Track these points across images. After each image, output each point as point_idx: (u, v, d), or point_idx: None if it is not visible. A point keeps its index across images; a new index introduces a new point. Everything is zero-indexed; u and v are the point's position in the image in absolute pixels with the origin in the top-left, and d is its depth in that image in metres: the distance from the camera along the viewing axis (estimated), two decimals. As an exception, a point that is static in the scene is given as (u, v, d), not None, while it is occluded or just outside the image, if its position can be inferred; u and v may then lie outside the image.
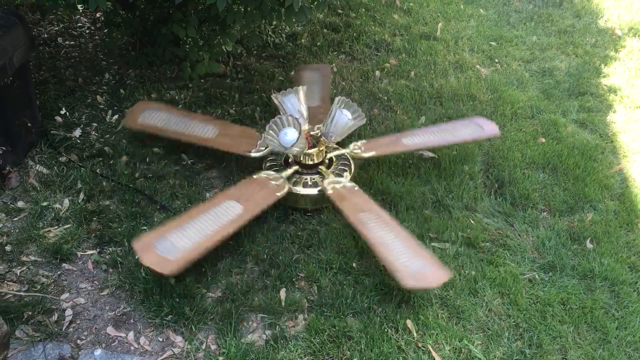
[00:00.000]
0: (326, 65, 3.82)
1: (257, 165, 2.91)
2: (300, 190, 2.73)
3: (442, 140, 3.04)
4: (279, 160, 2.90)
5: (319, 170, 2.83)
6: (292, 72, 3.86)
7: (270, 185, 2.66)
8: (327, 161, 2.90)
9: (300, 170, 2.83)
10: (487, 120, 3.18)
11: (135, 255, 2.29)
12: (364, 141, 2.97)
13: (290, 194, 2.72)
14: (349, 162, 2.92)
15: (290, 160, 2.88)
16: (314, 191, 2.74)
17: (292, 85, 3.10)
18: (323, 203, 2.77)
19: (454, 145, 3.19)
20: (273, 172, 2.75)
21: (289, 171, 2.79)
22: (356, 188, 2.71)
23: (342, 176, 2.80)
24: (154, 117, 3.01)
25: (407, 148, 3.00)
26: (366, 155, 2.88)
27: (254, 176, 2.72)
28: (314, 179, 2.77)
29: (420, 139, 3.01)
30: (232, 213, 2.48)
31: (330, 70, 3.74)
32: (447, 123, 3.29)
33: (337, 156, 2.93)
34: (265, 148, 2.83)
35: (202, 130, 2.95)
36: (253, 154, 2.84)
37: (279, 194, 2.64)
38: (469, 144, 3.24)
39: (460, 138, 3.08)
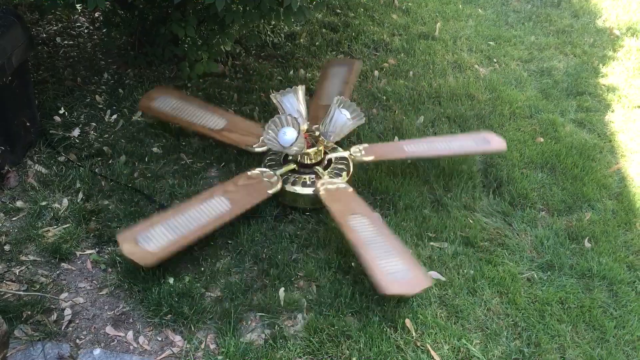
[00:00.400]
0: (356, 61, 3.79)
1: (257, 162, 2.91)
2: (299, 189, 2.73)
3: (446, 150, 3.00)
4: (279, 157, 2.90)
5: (314, 170, 2.83)
6: (291, 72, 3.87)
7: (263, 182, 2.67)
8: (326, 161, 2.90)
9: (298, 169, 2.83)
10: (494, 135, 3.11)
11: (118, 246, 2.37)
12: (366, 145, 2.95)
13: (289, 193, 2.73)
14: (348, 163, 2.90)
15: (289, 158, 2.88)
16: (312, 191, 2.74)
17: (292, 84, 3.10)
18: (322, 203, 2.78)
19: (458, 156, 3.13)
20: (267, 169, 2.76)
21: (284, 169, 2.79)
22: (350, 190, 2.70)
23: (340, 176, 2.79)
24: (168, 103, 3.09)
25: (408, 155, 2.98)
26: (366, 159, 2.87)
27: (248, 172, 2.73)
28: (312, 179, 2.77)
29: (424, 147, 3.01)
30: (220, 209, 2.51)
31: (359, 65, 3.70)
32: (453, 135, 3.25)
33: (337, 158, 2.92)
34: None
35: (211, 121, 3.00)
36: (256, 149, 2.86)
37: (270, 192, 2.65)
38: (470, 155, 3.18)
39: (464, 150, 3.04)
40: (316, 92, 3.35)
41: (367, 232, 2.43)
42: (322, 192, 2.64)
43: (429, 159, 3.12)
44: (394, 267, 2.28)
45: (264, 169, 2.76)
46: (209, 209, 2.50)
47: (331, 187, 2.68)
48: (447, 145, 3.02)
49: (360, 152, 2.89)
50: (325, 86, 3.34)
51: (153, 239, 2.33)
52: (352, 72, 3.47)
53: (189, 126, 3.05)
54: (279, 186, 2.68)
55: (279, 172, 2.75)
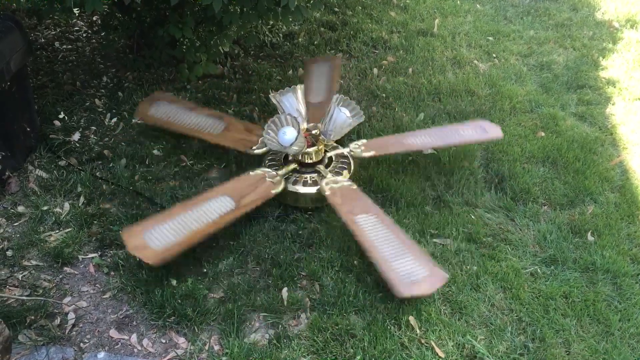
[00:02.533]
0: (336, 57, 3.79)
1: (257, 163, 2.91)
2: (300, 189, 2.72)
3: (444, 140, 3.00)
4: (279, 157, 2.89)
5: (316, 169, 2.82)
6: (290, 71, 3.86)
7: (266, 182, 2.66)
8: (326, 160, 2.90)
9: (299, 168, 2.82)
10: (491, 123, 3.12)
11: (124, 243, 2.36)
12: (364, 141, 2.94)
13: (290, 192, 2.73)
14: (349, 161, 2.90)
15: (290, 159, 2.88)
16: (314, 190, 2.73)
17: (291, 84, 3.10)
18: (324, 202, 2.77)
19: (456, 146, 3.14)
20: (270, 170, 2.75)
21: (287, 169, 2.78)
22: (354, 187, 2.69)
23: (341, 174, 2.79)
24: (164, 109, 3.06)
25: (408, 148, 2.97)
26: (366, 154, 2.85)
27: (251, 172, 2.72)
28: (313, 178, 2.77)
29: (422, 139, 2.97)
30: (224, 208, 2.50)
31: (339, 61, 3.70)
32: (451, 125, 3.24)
33: (337, 155, 2.92)
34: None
35: (209, 125, 2.98)
36: (256, 151, 2.84)
37: (273, 192, 2.64)
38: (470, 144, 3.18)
39: (463, 139, 3.01)
40: (305, 92, 3.26)
41: (377, 231, 2.43)
42: (327, 192, 2.63)
43: (429, 149, 3.11)
44: (408, 267, 2.29)
45: (267, 169, 2.75)
46: (213, 209, 2.49)
47: (336, 185, 2.67)
48: (445, 136, 3.00)
49: (360, 148, 2.87)
50: (312, 85, 3.29)
51: (158, 237, 2.32)
52: (335, 69, 3.46)
53: (187, 132, 3.00)
54: (281, 186, 2.68)
55: (281, 172, 2.75)
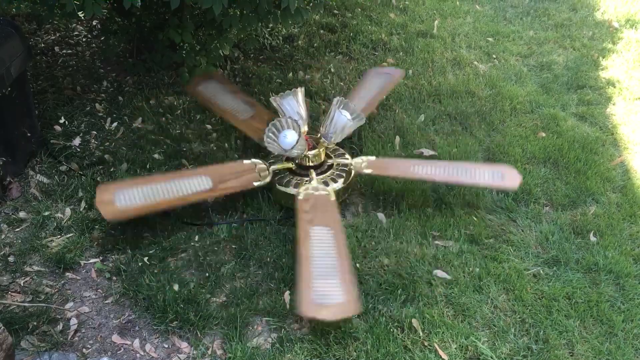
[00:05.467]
0: (399, 70, 3.72)
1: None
2: (289, 190, 2.71)
3: (453, 178, 2.79)
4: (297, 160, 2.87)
5: (308, 172, 2.80)
6: (290, 74, 3.86)
7: (252, 173, 2.69)
8: (326, 166, 2.87)
9: (296, 170, 2.82)
10: (512, 170, 2.83)
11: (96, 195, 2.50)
12: (372, 158, 2.86)
13: (280, 192, 2.74)
14: (349, 171, 2.83)
15: (297, 162, 2.86)
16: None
17: (292, 87, 3.10)
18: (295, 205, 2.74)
19: (467, 185, 2.88)
20: (263, 162, 2.78)
21: (279, 166, 2.80)
22: (332, 199, 2.61)
23: (336, 182, 2.75)
24: (211, 88, 3.25)
25: (412, 177, 2.85)
26: (366, 171, 2.79)
27: (244, 161, 2.77)
28: (306, 181, 2.75)
29: (430, 170, 2.80)
30: (199, 187, 2.58)
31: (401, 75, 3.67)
32: (467, 163, 3.03)
33: (338, 164, 2.88)
34: None
35: (241, 109, 3.10)
36: (255, 185, 2.76)
37: (255, 183, 2.67)
38: (480, 187, 2.90)
39: (474, 181, 2.77)
40: (350, 96, 3.24)
41: (322, 245, 2.35)
42: (300, 196, 2.60)
43: (435, 182, 2.91)
44: (327, 289, 2.19)
45: (258, 161, 2.77)
46: (189, 185, 2.58)
47: (312, 192, 2.64)
48: (457, 172, 2.81)
49: (363, 163, 2.82)
50: (359, 93, 3.28)
51: (127, 197, 2.46)
52: (391, 82, 3.47)
53: (220, 112, 3.18)
54: (267, 180, 2.70)
55: (272, 167, 2.76)
